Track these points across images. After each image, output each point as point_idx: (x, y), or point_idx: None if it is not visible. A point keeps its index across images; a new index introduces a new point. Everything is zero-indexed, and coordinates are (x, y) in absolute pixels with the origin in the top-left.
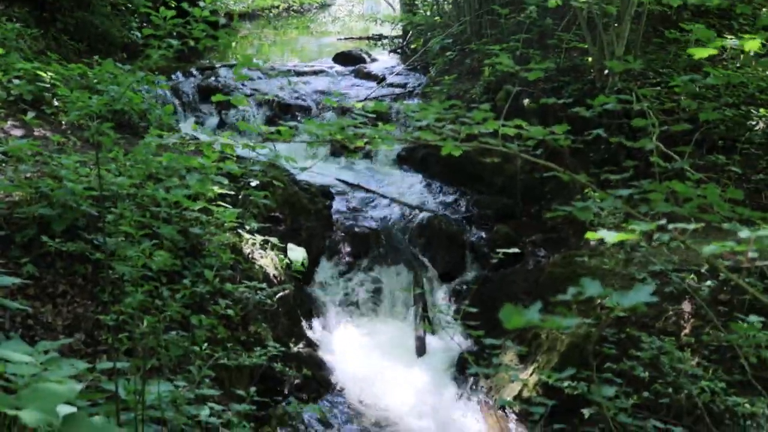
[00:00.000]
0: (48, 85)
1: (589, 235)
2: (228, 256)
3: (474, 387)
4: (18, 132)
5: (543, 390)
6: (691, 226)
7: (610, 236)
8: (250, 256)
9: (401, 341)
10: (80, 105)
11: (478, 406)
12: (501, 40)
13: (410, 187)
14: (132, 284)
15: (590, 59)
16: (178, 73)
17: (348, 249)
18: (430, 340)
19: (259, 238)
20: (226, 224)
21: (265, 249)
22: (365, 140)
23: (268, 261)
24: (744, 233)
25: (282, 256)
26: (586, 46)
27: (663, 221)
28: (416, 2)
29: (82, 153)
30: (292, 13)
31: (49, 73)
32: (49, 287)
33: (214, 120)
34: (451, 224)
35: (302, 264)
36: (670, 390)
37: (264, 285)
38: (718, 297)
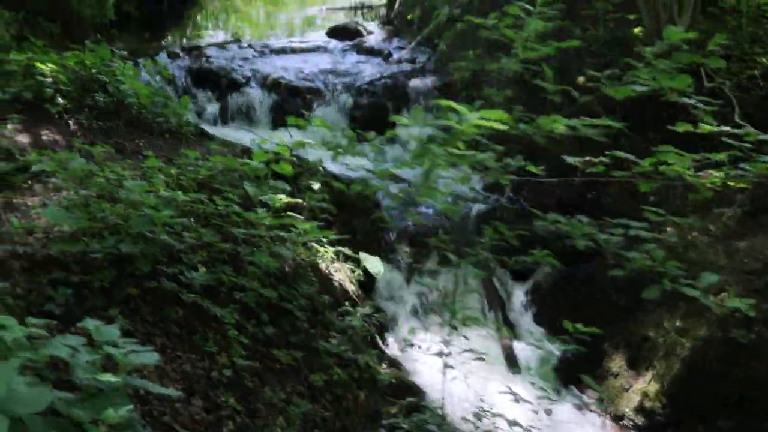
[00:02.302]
0: (49, 80)
1: None
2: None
3: (581, 397)
4: (23, 138)
5: (667, 400)
6: None
7: None
8: (327, 271)
9: (485, 350)
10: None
11: (592, 418)
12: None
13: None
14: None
15: (637, 30)
16: (163, 56)
17: (406, 250)
18: (517, 348)
19: (330, 249)
20: (302, 239)
21: (334, 261)
22: None
23: (343, 275)
24: None
25: (353, 268)
26: (632, 17)
27: None
28: None
29: (115, 163)
30: None
31: (49, 65)
32: (145, 341)
33: (214, 108)
34: (514, 215)
35: (378, 274)
36: None
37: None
38: None
